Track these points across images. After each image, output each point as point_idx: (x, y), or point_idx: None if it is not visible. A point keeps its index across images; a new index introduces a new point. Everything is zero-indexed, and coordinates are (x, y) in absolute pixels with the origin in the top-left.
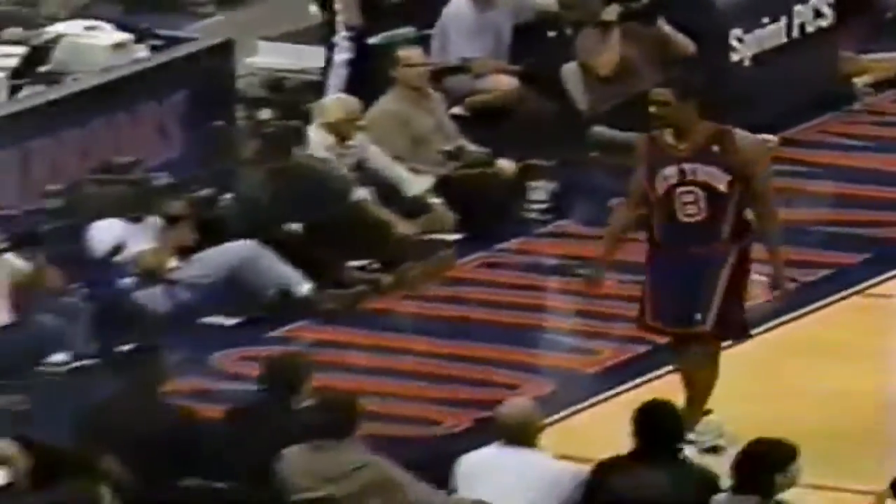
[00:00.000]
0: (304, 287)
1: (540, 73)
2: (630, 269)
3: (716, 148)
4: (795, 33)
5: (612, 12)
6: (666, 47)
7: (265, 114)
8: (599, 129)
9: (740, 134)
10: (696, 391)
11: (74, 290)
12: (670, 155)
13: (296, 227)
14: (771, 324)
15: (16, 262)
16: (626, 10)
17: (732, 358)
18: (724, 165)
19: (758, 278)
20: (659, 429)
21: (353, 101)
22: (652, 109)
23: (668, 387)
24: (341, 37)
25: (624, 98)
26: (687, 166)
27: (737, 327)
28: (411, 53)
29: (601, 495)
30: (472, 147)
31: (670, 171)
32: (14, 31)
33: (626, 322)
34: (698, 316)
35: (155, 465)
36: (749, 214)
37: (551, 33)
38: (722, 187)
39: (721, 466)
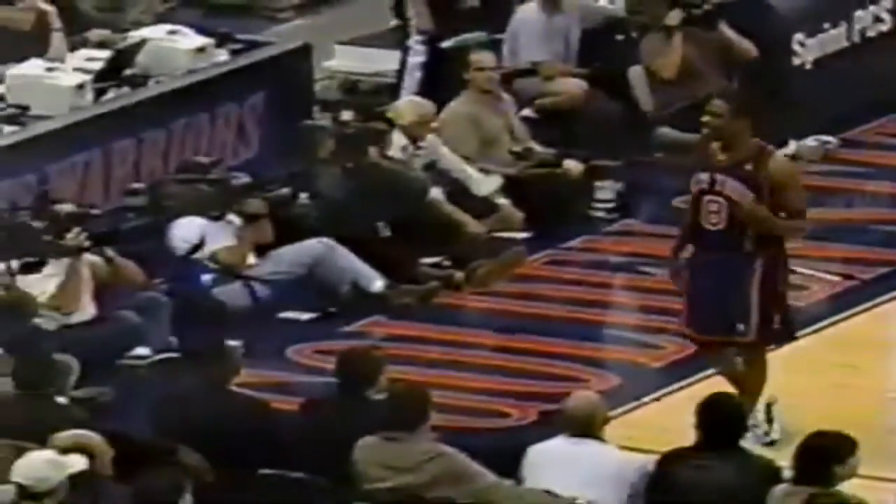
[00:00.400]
0: (378, 283)
1: (607, 76)
2: None
3: (749, 166)
4: (856, 38)
5: (674, 17)
6: (729, 51)
7: (343, 115)
8: (664, 131)
9: (776, 156)
10: (746, 393)
11: (156, 286)
12: (710, 162)
13: (376, 225)
14: (828, 320)
15: (99, 259)
16: (688, 16)
17: (789, 354)
18: (751, 183)
19: (815, 275)
20: (722, 421)
21: (425, 104)
22: (705, 119)
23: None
24: (415, 40)
25: (688, 101)
26: (718, 176)
27: (779, 333)
28: (483, 57)
29: (665, 486)
30: (539, 148)
31: (703, 177)
32: (101, 33)
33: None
34: (741, 327)
35: (232, 457)
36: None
37: (618, 37)
38: (744, 204)
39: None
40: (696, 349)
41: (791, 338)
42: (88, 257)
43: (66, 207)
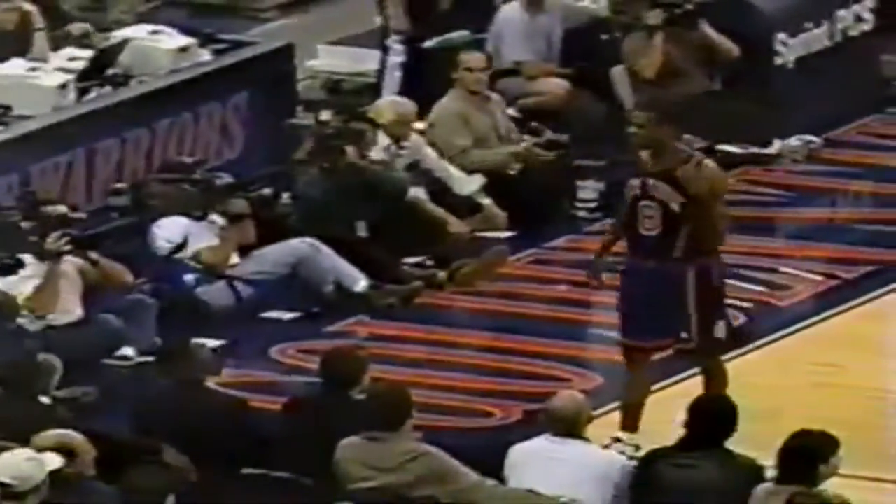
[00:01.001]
0: (362, 283)
1: (590, 76)
2: None
3: (679, 172)
4: (838, 37)
5: (655, 17)
6: (711, 51)
7: (322, 115)
8: None
9: (705, 163)
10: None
11: (140, 286)
12: (642, 168)
13: (356, 225)
14: (812, 320)
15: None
16: (669, 15)
17: (772, 353)
18: (681, 188)
19: (799, 274)
20: (710, 421)
21: (405, 103)
22: (630, 129)
23: None
24: (394, 40)
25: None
26: (650, 181)
27: (723, 342)
28: (472, 58)
29: (649, 485)
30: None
31: (635, 182)
32: (81, 26)
33: None
34: (684, 334)
35: (212, 456)
36: (713, 243)
37: (602, 37)
38: (675, 206)
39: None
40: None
41: (737, 346)
42: (74, 260)
43: (52, 209)
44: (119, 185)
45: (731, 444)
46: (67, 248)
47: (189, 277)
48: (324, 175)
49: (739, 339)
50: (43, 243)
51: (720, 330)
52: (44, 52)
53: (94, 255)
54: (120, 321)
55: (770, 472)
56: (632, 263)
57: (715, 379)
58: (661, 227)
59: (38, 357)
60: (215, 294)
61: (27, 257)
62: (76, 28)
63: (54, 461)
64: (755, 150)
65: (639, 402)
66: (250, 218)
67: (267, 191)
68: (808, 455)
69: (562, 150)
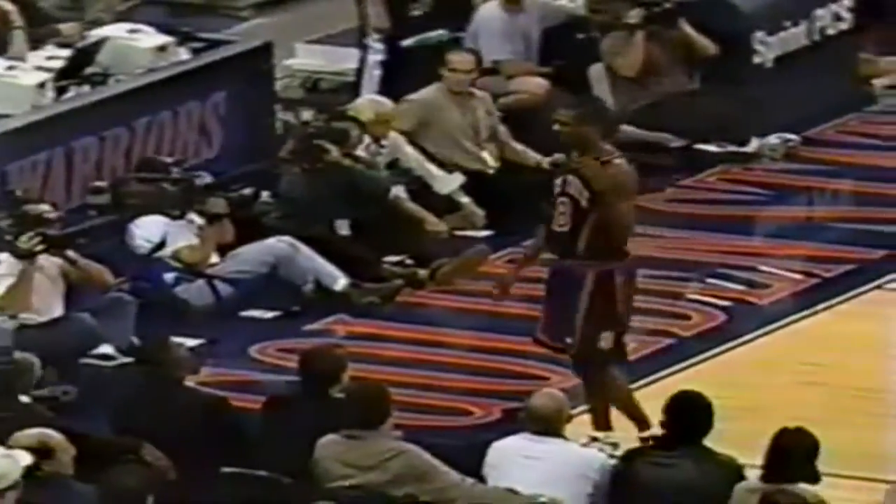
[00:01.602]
0: (341, 282)
1: (568, 75)
2: (655, 264)
3: (590, 170)
4: (816, 36)
5: (636, 15)
6: (689, 49)
7: (303, 115)
8: (626, 129)
9: (614, 162)
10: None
11: (119, 285)
12: (566, 167)
13: (337, 224)
14: (792, 318)
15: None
16: (648, 14)
17: (752, 352)
18: (589, 185)
19: (778, 273)
20: (686, 418)
21: (384, 102)
22: (555, 128)
23: (693, 379)
24: (373, 39)
25: (650, 99)
26: (568, 177)
27: (605, 354)
28: (459, 59)
29: (628, 483)
30: (518, 147)
31: (558, 180)
32: (72, 25)
33: (649, 316)
34: (568, 339)
35: (192, 454)
36: (615, 242)
37: (579, 36)
38: (584, 203)
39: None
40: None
41: (619, 361)
42: (54, 259)
43: (31, 208)
44: (98, 184)
45: (712, 442)
46: (40, 247)
47: (168, 276)
48: (306, 174)
49: (623, 355)
50: (14, 243)
51: (605, 340)
52: (22, 51)
53: (72, 254)
54: (94, 320)
55: (751, 471)
56: (548, 260)
57: (593, 392)
58: (570, 224)
59: (15, 355)
60: (195, 293)
61: (3, 256)
62: (67, 28)
63: (27, 458)
64: (733, 148)
65: (602, 401)
66: (229, 217)
67: (247, 191)
68: (788, 453)
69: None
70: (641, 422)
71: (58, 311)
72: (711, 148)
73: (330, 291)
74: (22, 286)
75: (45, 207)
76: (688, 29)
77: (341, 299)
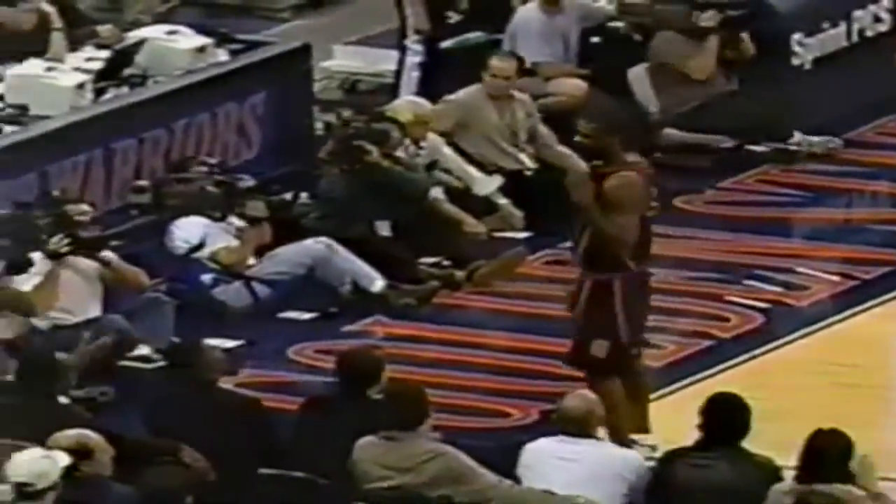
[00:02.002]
0: (379, 283)
1: (606, 77)
2: (694, 266)
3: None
4: (855, 38)
5: (710, 18)
6: (735, 51)
7: (343, 116)
8: (671, 132)
9: (620, 173)
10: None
11: (155, 286)
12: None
13: (377, 225)
14: (830, 320)
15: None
16: (725, 17)
17: (790, 354)
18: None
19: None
20: (723, 420)
21: (423, 103)
22: (577, 139)
23: (731, 381)
24: (412, 40)
25: (698, 101)
26: None
27: (596, 363)
28: (500, 65)
29: (665, 484)
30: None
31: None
32: (109, 28)
33: (688, 318)
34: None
35: (230, 457)
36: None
37: (619, 37)
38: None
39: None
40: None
41: (607, 373)
42: (90, 261)
43: (70, 208)
44: (140, 183)
45: (750, 443)
46: (67, 248)
47: (206, 277)
48: (345, 175)
49: (605, 367)
50: (45, 244)
51: (599, 348)
52: (61, 53)
53: (105, 255)
54: (128, 321)
55: (789, 472)
56: None
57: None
58: (577, 232)
59: (55, 356)
60: (232, 294)
61: (37, 256)
62: (104, 30)
63: (65, 458)
64: (778, 146)
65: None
66: (268, 220)
67: (287, 195)
68: (825, 454)
69: None
70: (641, 429)
71: (94, 311)
72: (759, 148)
73: (367, 293)
74: (47, 286)
75: (82, 208)
76: (744, 35)
77: (378, 301)
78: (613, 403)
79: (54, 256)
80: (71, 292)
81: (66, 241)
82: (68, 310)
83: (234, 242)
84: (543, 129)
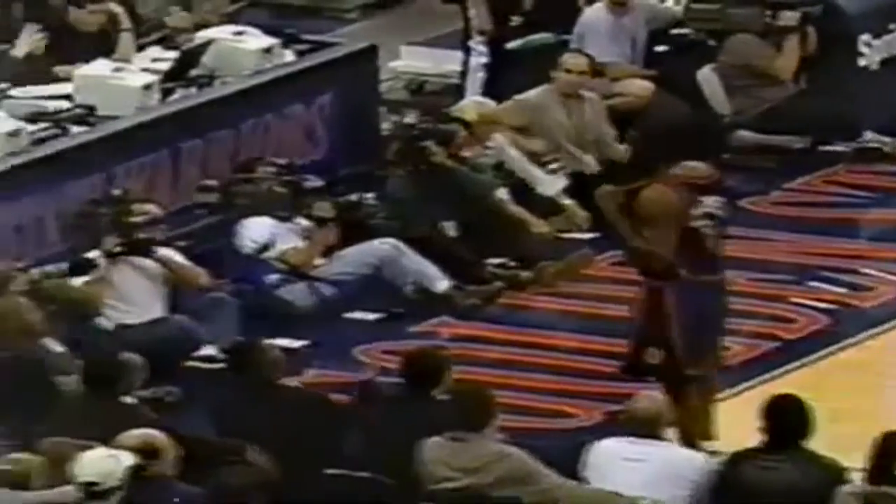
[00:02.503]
0: (444, 284)
1: (673, 78)
2: (759, 267)
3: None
4: None
5: (791, 18)
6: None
7: (410, 117)
8: (744, 133)
9: (653, 186)
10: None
11: (219, 286)
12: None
13: (443, 225)
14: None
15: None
16: (804, 15)
17: (856, 356)
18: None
19: (880, 275)
20: (786, 422)
21: (488, 104)
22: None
23: (796, 382)
24: (476, 41)
25: (771, 103)
26: None
27: (652, 369)
28: (573, 61)
29: (731, 486)
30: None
31: None
32: (184, 15)
33: (755, 320)
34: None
35: (297, 456)
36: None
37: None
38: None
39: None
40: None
41: (662, 379)
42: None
43: (136, 207)
44: (208, 182)
45: (815, 445)
46: (119, 248)
47: (272, 278)
48: (412, 176)
49: (660, 371)
50: (101, 244)
51: (652, 355)
52: (129, 53)
53: (163, 255)
54: (193, 321)
55: (854, 474)
56: None
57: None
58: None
59: (120, 356)
60: (298, 294)
61: (99, 258)
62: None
63: (131, 458)
64: (856, 145)
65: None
66: (335, 221)
67: (353, 196)
68: (892, 456)
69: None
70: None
71: (157, 311)
72: (835, 147)
73: (431, 293)
74: (96, 283)
75: (146, 208)
76: (810, 30)
77: (443, 301)
78: (685, 408)
79: (109, 256)
80: (132, 292)
81: (119, 241)
82: (127, 309)
83: (302, 243)
84: (609, 130)
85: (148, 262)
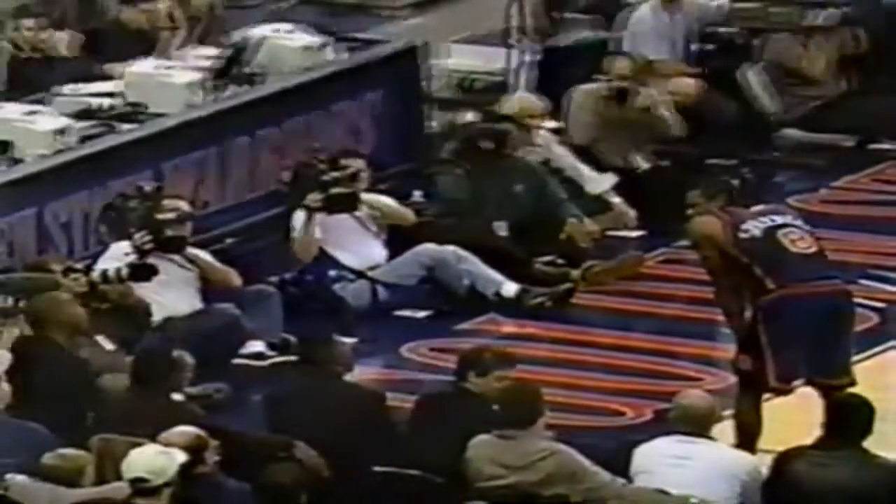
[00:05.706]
0: (512, 288)
1: (720, 76)
2: None
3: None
4: None
5: (830, 17)
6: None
7: (467, 115)
8: (790, 132)
9: (696, 218)
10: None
11: (272, 280)
12: None
13: (494, 225)
14: None
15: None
16: (844, 15)
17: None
18: None
19: None
20: (847, 420)
21: (532, 98)
22: (688, 211)
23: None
24: (527, 39)
25: (818, 101)
26: None
27: (741, 375)
28: (620, 64)
29: (785, 484)
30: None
31: None
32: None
33: None
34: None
35: (347, 453)
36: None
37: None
38: None
39: None
40: None
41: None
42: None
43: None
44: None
45: (870, 444)
46: (149, 246)
47: (331, 273)
48: (466, 174)
49: (756, 381)
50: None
51: (743, 361)
52: (178, 51)
53: (192, 253)
54: (237, 309)
55: None
56: None
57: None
58: None
59: (170, 353)
60: (353, 292)
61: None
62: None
63: (182, 456)
64: None
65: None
66: (326, 211)
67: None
68: None
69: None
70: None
71: (188, 307)
72: (884, 146)
73: (500, 297)
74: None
75: (177, 204)
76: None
77: (511, 303)
78: (746, 422)
79: (140, 253)
80: (171, 288)
81: (147, 238)
82: (165, 304)
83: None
84: (656, 128)
85: (179, 259)
